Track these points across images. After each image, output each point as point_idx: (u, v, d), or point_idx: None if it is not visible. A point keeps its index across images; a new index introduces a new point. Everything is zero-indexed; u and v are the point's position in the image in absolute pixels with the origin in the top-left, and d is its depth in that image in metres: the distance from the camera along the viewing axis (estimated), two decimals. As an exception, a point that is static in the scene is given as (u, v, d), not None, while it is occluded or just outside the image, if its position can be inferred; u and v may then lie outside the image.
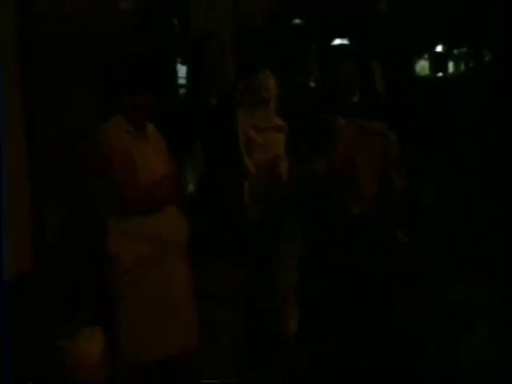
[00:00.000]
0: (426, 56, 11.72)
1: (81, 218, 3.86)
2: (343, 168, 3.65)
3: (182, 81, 5.56)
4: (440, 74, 10.92)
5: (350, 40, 9.54)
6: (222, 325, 4.02)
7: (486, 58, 9.73)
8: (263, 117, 5.01)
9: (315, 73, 7.19)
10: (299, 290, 3.85)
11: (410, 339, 3.70)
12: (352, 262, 3.56)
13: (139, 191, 3.45)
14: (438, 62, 11.76)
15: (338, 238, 3.56)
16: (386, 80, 5.24)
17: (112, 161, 3.43)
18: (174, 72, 5.76)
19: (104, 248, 3.45)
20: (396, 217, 3.72)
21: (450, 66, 12.13)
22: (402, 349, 3.53)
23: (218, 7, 7.15)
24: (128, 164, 3.44)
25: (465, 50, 11.84)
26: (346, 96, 4.09)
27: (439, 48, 11.88)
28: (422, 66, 11.36)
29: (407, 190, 3.78)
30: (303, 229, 3.90)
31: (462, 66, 11.69)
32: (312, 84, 7.06)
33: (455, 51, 12.12)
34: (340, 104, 4.03)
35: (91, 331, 3.60)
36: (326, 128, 3.67)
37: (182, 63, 5.71)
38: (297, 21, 10.04)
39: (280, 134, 5.01)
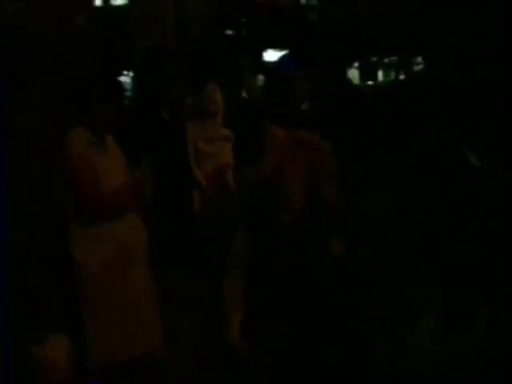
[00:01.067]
0: (358, 65, 11.92)
1: (45, 226, 3.95)
2: (271, 176, 3.71)
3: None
4: (371, 83, 11.14)
5: (285, 51, 9.69)
6: (183, 331, 4.15)
7: (419, 67, 10.04)
8: (212, 128, 5.22)
9: (249, 84, 7.33)
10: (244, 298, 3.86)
11: (359, 339, 3.77)
12: (283, 271, 3.62)
13: (101, 198, 3.63)
14: (369, 70, 11.99)
15: (269, 247, 3.67)
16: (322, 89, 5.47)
17: (75, 169, 3.61)
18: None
19: (69, 255, 3.59)
20: (329, 227, 3.86)
21: (381, 75, 12.38)
22: (353, 348, 3.64)
23: (158, 20, 7.29)
24: (90, 172, 3.62)
25: (396, 58, 12.08)
26: (291, 107, 4.28)
27: (373, 57, 12.09)
28: (353, 74, 11.60)
29: (342, 200, 3.87)
30: (246, 237, 3.91)
31: (393, 75, 11.96)
32: (245, 94, 7.21)
33: (386, 60, 12.35)
34: (284, 114, 4.18)
35: (57, 338, 3.72)
36: (259, 137, 3.74)
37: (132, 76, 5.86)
38: (230, 32, 10.22)
39: (228, 144, 5.21)
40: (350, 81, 7.95)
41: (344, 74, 7.32)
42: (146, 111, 4.61)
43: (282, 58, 7.70)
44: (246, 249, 3.74)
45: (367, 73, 11.83)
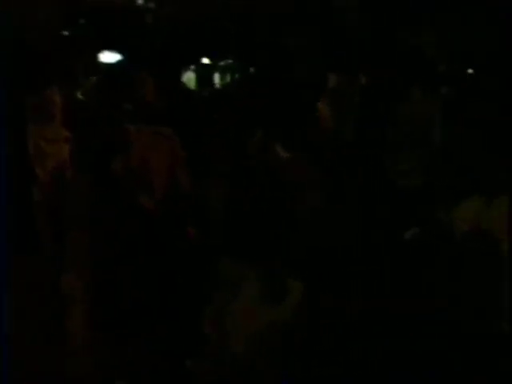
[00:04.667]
0: (194, 67, 12.13)
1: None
2: (138, 167, 4.03)
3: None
4: (208, 86, 11.42)
5: (123, 53, 9.78)
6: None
7: (250, 70, 10.45)
8: (52, 130, 5.39)
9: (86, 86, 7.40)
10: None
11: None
12: (143, 259, 3.82)
13: None
14: (205, 73, 12.24)
15: (130, 234, 3.93)
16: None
17: None
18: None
19: None
20: (184, 214, 4.24)
21: (217, 78, 12.67)
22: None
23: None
24: None
25: (230, 62, 12.39)
26: (136, 106, 4.57)
27: (206, 60, 12.34)
28: (189, 77, 11.82)
29: (194, 189, 4.24)
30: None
31: (228, 78, 12.33)
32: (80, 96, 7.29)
33: (222, 63, 12.66)
34: (133, 113, 4.47)
35: None
36: (117, 135, 4.04)
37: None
38: (66, 33, 10.20)
39: (67, 145, 5.39)
40: (184, 83, 8.18)
41: (179, 75, 7.56)
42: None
43: (120, 59, 7.85)
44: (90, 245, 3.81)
45: (204, 75, 12.15)
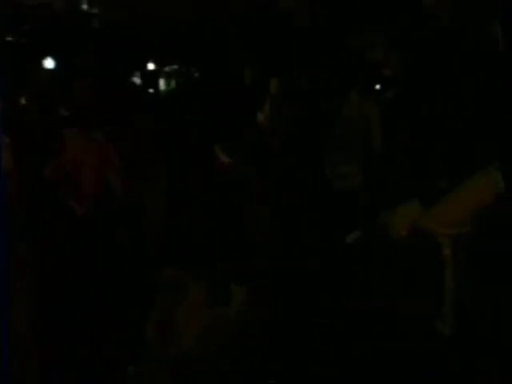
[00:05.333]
0: (139, 73, 12.08)
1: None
2: (69, 169, 4.07)
3: None
4: (151, 91, 11.37)
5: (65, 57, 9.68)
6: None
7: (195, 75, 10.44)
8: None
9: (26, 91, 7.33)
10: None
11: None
12: (75, 261, 3.89)
13: None
14: (150, 78, 12.19)
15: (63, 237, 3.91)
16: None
17: None
18: None
19: None
20: (115, 216, 4.20)
21: (162, 83, 12.61)
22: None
23: None
24: None
25: (176, 67, 12.34)
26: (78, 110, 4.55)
27: (151, 66, 12.28)
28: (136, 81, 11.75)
29: (128, 193, 4.25)
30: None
31: (173, 83, 12.27)
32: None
33: (167, 68, 12.61)
34: (71, 117, 4.45)
35: None
36: (51, 140, 4.05)
37: None
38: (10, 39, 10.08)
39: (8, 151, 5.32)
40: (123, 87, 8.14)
41: (119, 80, 7.51)
42: None
43: (57, 65, 7.79)
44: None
45: (148, 80, 12.11)
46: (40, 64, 9.63)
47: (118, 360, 3.85)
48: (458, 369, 3.77)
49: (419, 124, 4.43)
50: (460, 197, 4.13)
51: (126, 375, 3.80)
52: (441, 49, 4.30)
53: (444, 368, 3.79)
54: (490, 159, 4.16)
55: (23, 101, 6.26)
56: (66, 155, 4.05)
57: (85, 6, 11.89)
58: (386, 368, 3.80)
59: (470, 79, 4.23)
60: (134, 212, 4.36)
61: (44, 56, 9.94)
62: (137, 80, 11.25)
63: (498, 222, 4.19)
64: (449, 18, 4.28)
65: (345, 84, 6.00)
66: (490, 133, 4.23)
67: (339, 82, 6.19)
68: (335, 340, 4.05)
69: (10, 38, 9.98)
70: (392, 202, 4.37)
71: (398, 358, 3.84)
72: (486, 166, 4.16)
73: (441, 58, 4.30)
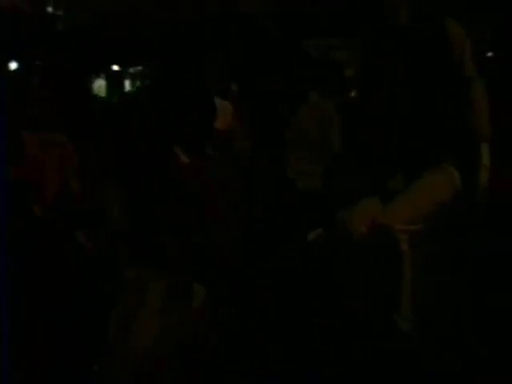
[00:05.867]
0: (105, 75, 12.08)
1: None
2: (31, 172, 4.07)
3: None
4: (115, 93, 11.39)
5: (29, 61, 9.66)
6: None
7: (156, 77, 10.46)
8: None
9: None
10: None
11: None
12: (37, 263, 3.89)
13: None
14: (115, 80, 12.20)
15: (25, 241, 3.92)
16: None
17: None
18: None
19: None
20: (74, 217, 4.24)
21: (128, 85, 12.64)
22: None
23: None
24: None
25: (140, 68, 12.38)
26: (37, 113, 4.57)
27: (116, 67, 12.30)
28: (100, 85, 11.77)
29: (87, 195, 4.28)
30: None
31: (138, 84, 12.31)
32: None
33: (131, 70, 12.64)
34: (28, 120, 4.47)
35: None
36: (11, 143, 4.07)
37: None
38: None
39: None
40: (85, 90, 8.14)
41: (80, 83, 7.52)
42: None
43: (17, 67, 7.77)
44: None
45: (114, 82, 12.11)
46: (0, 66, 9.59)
47: (82, 359, 3.86)
48: (421, 365, 3.82)
49: (377, 122, 4.49)
50: (414, 194, 4.20)
51: (91, 374, 3.81)
52: (397, 48, 4.36)
53: (407, 364, 3.82)
54: (444, 156, 4.24)
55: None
56: (26, 158, 4.08)
57: (49, 8, 11.88)
58: (348, 367, 3.83)
59: (423, 77, 4.31)
60: (93, 212, 4.39)
61: (4, 58, 9.89)
62: (100, 81, 11.26)
63: (454, 219, 4.27)
64: (408, 17, 4.33)
65: (304, 84, 6.07)
66: (444, 130, 4.30)
67: (299, 82, 6.26)
68: (296, 340, 4.08)
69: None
70: (352, 200, 4.42)
71: (359, 356, 3.87)
72: (440, 163, 4.24)
73: (397, 57, 4.36)
